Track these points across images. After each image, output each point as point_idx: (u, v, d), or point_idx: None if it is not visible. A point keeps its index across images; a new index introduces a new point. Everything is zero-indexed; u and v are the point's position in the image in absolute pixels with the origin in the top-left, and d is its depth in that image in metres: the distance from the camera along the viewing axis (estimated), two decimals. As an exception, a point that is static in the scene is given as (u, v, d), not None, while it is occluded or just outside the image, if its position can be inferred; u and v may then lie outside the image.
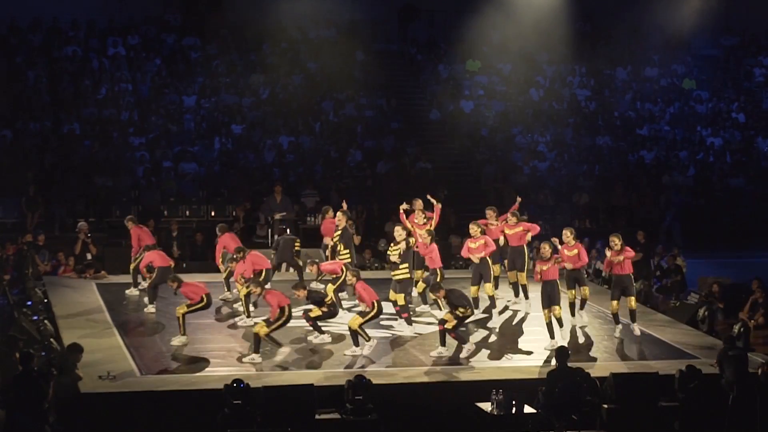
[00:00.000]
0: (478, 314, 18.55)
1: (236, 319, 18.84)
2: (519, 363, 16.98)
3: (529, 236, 19.44)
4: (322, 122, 30.22)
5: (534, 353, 17.33)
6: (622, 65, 34.59)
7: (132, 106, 29.25)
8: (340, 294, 18.90)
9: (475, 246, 18.57)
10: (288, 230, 25.32)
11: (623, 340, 18.06)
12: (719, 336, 18.77)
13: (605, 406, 15.40)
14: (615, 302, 18.18)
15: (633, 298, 18.21)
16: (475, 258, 18.49)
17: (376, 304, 16.85)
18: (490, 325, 18.79)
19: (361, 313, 16.99)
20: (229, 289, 20.02)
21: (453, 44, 33.40)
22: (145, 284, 19.92)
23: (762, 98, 34.61)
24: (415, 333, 18.03)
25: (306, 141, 29.51)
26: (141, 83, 30.13)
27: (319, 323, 17.37)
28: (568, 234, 18.50)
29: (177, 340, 17.28)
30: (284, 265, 21.65)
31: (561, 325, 17.64)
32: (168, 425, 14.84)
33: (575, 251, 18.35)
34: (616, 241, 18.14)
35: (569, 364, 15.37)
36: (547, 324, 17.54)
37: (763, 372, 15.69)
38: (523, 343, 17.95)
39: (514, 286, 19.92)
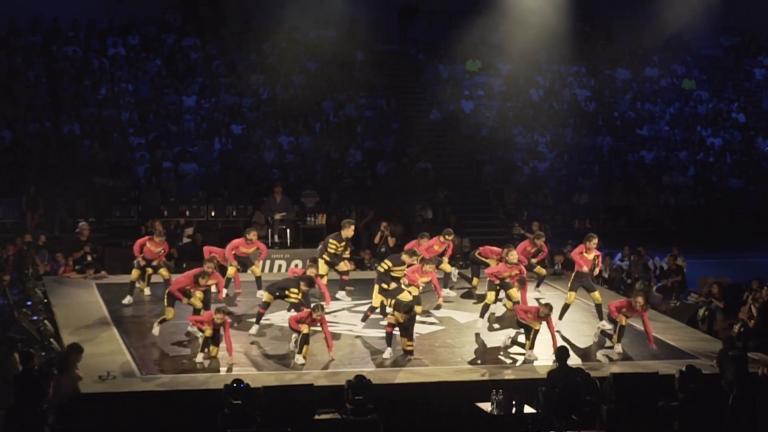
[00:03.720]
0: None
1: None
2: (519, 363, 16.98)
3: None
4: (322, 122, 30.23)
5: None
6: (622, 65, 34.61)
7: (132, 107, 29.25)
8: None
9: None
10: (288, 230, 25.36)
11: (624, 341, 18.06)
12: (719, 336, 18.78)
13: (605, 406, 15.40)
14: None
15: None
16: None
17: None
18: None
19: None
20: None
21: (453, 44, 33.39)
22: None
23: (762, 98, 34.64)
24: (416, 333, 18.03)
25: (306, 141, 29.51)
26: (141, 83, 30.13)
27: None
28: (594, 240, 18.66)
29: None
30: None
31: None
32: (168, 425, 14.84)
33: (592, 255, 18.51)
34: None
35: (569, 364, 15.37)
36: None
37: (763, 372, 15.70)
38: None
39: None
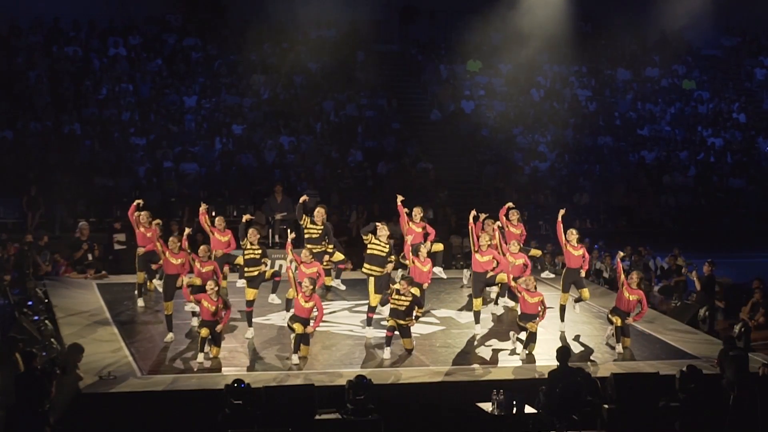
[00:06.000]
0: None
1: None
2: (520, 363, 16.98)
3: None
4: (322, 122, 30.23)
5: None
6: (622, 65, 34.61)
7: (133, 107, 29.25)
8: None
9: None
10: (289, 230, 25.30)
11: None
12: (720, 336, 18.77)
13: (606, 406, 15.40)
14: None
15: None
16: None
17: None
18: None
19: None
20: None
21: (454, 44, 33.40)
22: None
23: (763, 98, 34.65)
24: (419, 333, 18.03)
25: (307, 141, 29.52)
26: (142, 83, 30.13)
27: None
28: (573, 233, 18.54)
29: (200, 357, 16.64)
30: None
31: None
32: (168, 425, 14.84)
33: (580, 251, 18.45)
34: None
35: (570, 364, 15.37)
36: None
37: (764, 372, 15.70)
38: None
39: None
